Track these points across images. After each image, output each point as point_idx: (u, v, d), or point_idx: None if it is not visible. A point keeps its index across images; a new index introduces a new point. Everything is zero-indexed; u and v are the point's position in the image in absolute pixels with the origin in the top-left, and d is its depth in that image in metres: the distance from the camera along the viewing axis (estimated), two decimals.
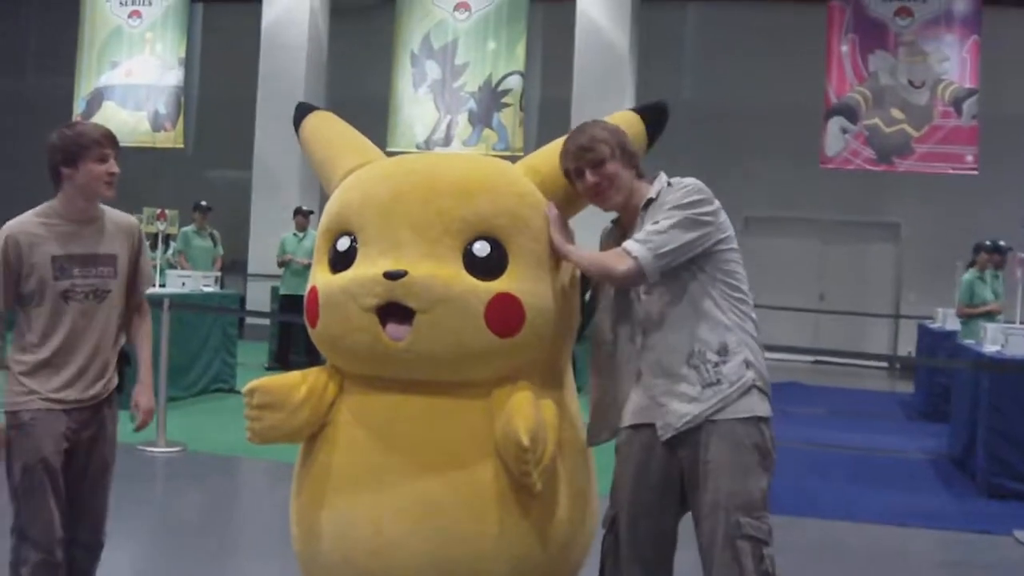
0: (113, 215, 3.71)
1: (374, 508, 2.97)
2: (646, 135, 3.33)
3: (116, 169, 3.55)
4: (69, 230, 3.58)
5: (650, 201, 3.10)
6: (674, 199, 3.04)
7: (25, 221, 3.59)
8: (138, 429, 3.80)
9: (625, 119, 3.32)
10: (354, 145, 3.41)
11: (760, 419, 3.05)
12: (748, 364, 3.06)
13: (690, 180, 3.10)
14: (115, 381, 3.69)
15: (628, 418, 3.17)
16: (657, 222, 3.00)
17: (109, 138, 3.57)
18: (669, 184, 3.12)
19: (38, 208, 3.63)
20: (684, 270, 3.04)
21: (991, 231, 12.21)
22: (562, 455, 3.07)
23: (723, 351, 3.04)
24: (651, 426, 3.10)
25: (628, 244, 3.00)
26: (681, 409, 3.04)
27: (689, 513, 3.14)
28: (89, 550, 3.70)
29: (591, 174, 3.10)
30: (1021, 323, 8.56)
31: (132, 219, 3.78)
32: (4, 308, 3.55)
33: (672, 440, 3.06)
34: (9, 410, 3.57)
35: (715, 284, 3.07)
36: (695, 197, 3.04)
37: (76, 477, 3.64)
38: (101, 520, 3.73)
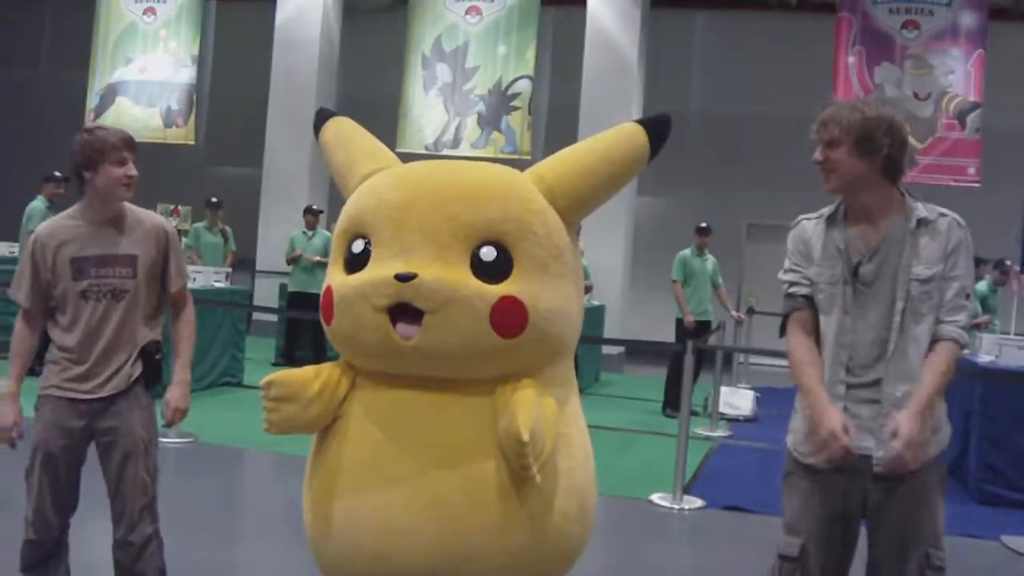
0: (140, 215, 3.84)
1: (382, 497, 3.10)
2: (648, 147, 3.36)
3: (134, 172, 3.69)
4: (89, 231, 3.72)
5: (923, 221, 3.14)
6: (967, 247, 3.12)
7: (53, 223, 3.77)
8: (167, 425, 3.98)
9: (628, 130, 3.38)
10: (371, 151, 3.52)
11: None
12: (948, 412, 3.21)
13: (961, 221, 3.16)
14: (136, 373, 3.78)
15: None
16: (962, 288, 3.10)
17: (127, 142, 3.70)
18: (943, 215, 3.15)
19: (67, 210, 3.80)
20: (932, 311, 3.12)
21: (991, 244, 12.31)
22: (561, 451, 3.18)
23: None
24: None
25: (954, 332, 3.08)
26: (895, 447, 3.02)
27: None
28: (122, 549, 3.73)
29: (819, 151, 3.18)
30: (1016, 334, 8.71)
31: (159, 219, 3.90)
32: (27, 303, 3.74)
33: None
34: (39, 395, 3.78)
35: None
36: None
37: (104, 470, 3.78)
38: (133, 519, 3.71)
